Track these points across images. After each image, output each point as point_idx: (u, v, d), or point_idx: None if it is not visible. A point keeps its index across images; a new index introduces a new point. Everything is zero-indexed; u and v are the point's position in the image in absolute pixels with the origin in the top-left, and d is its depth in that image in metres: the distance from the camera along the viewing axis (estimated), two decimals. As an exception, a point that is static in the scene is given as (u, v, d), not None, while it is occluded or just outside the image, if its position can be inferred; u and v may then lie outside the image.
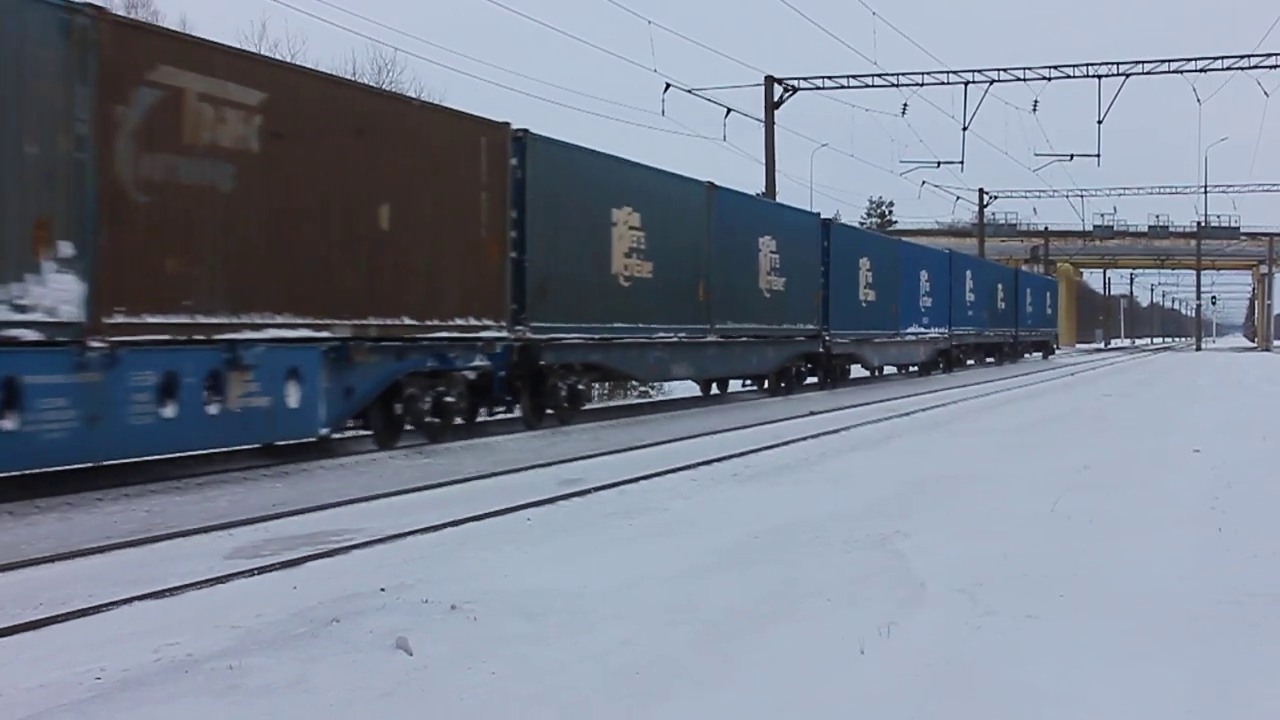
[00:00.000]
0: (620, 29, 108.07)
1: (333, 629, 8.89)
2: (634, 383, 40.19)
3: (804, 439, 23.87)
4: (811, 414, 31.54)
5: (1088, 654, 8.43)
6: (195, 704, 7.21)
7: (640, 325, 30.45)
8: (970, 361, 66.28)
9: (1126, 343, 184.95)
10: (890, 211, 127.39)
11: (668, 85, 52.03)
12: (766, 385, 41.36)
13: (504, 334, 24.80)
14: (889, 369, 56.06)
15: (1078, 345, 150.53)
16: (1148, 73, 57.20)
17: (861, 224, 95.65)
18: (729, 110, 54.56)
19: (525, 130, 25.72)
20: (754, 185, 55.48)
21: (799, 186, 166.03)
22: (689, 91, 52.97)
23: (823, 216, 44.13)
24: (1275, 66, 56.00)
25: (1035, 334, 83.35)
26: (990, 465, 19.23)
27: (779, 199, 51.41)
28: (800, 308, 40.33)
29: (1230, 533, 13.23)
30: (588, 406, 31.07)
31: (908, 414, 31.36)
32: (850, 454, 21.38)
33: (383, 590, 10.18)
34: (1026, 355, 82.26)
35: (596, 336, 28.55)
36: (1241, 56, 56.24)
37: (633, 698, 7.44)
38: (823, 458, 20.72)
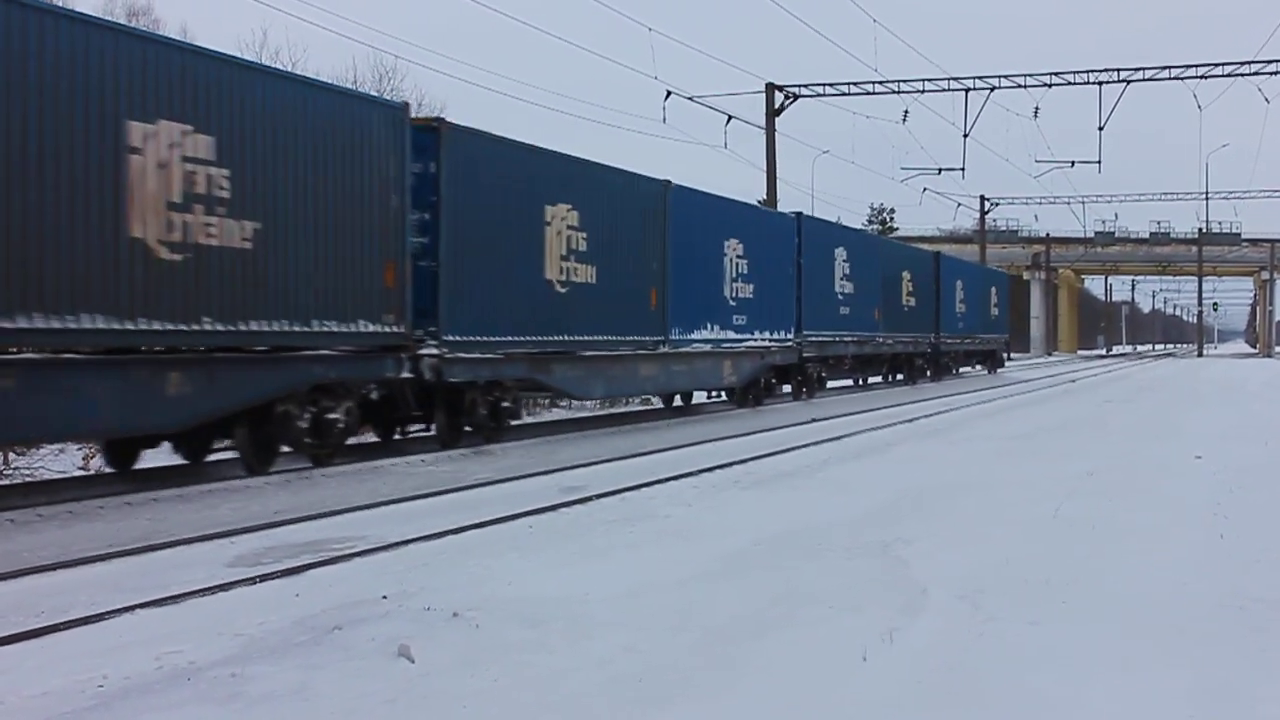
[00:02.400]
0: (621, 36, 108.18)
1: (335, 636, 8.90)
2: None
3: (805, 446, 23.84)
4: (814, 420, 31.51)
5: (1090, 660, 8.44)
6: (197, 712, 7.23)
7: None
8: (847, 381, 50.48)
9: (1128, 349, 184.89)
10: (892, 218, 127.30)
11: (669, 93, 52.05)
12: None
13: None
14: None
15: (1079, 352, 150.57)
16: (1149, 79, 57.23)
17: (866, 228, 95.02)
18: (730, 117, 54.58)
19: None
20: (756, 192, 55.56)
21: (800, 194, 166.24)
22: (690, 99, 52.99)
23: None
24: (1276, 73, 55.98)
25: (972, 341, 64.94)
26: (991, 472, 19.23)
27: (780, 206, 51.35)
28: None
29: (1232, 538, 13.24)
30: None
31: (911, 420, 31.33)
32: (851, 461, 21.36)
33: (385, 598, 10.18)
34: (960, 370, 65.25)
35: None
36: (1242, 63, 56.23)
37: (635, 705, 7.44)
38: (824, 464, 20.71)
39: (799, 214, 41.53)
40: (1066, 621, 9.51)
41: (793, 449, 23.20)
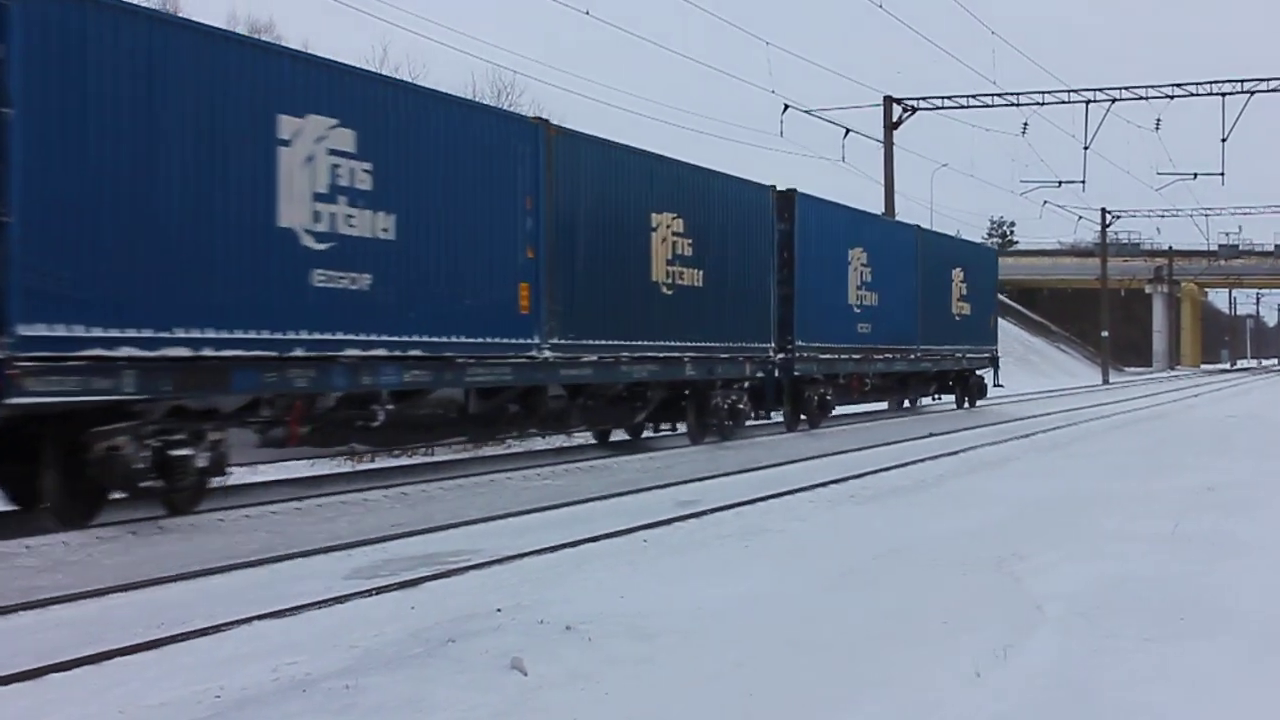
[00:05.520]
0: (739, 51, 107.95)
1: (448, 649, 8.97)
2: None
3: (922, 460, 23.69)
4: (931, 435, 31.33)
5: (1209, 678, 8.32)
6: (313, 723, 7.30)
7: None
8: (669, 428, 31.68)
9: (1253, 364, 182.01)
10: (1011, 231, 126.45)
11: (786, 106, 51.92)
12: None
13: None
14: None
15: (1202, 366, 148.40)
16: (1273, 90, 56.36)
17: (985, 241, 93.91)
18: (848, 131, 54.35)
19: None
20: (873, 206, 55.26)
21: (919, 207, 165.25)
22: (807, 112, 52.86)
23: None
24: (1405, 81, 54.92)
25: (965, 354, 46.50)
26: (1109, 486, 19.02)
27: (900, 219, 50.87)
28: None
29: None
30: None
31: (1027, 435, 31.06)
32: (968, 476, 21.22)
33: (499, 611, 10.24)
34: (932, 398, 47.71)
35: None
36: (1370, 71, 55.18)
37: (746, 720, 7.44)
38: (940, 480, 20.58)
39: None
40: (1186, 639, 9.39)
41: (909, 464, 23.06)
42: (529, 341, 22.37)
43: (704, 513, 16.41)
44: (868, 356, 37.23)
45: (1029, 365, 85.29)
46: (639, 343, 25.71)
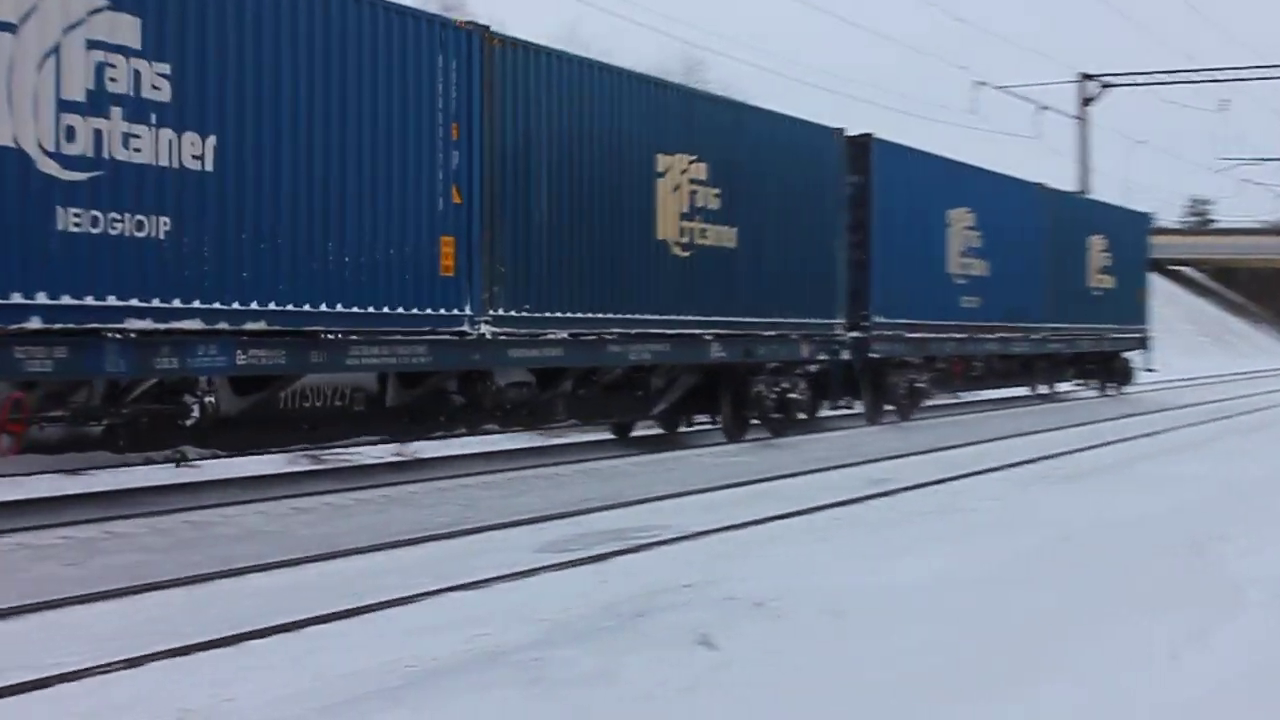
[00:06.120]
0: (928, 26, 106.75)
1: (638, 623, 8.99)
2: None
3: (1115, 442, 23.28)
4: (1129, 416, 30.74)
5: None
6: (503, 694, 7.35)
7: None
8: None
9: None
10: (1210, 210, 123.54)
11: (978, 83, 51.22)
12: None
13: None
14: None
15: None
16: None
17: (1181, 224, 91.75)
18: (1041, 108, 53.48)
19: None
20: (1068, 185, 54.34)
21: (1114, 184, 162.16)
22: (999, 89, 52.14)
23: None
24: None
25: (1106, 334, 40.87)
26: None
27: (1095, 197, 49.76)
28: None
29: None
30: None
31: (1231, 416, 30.38)
32: (1162, 457, 20.80)
33: (688, 586, 10.24)
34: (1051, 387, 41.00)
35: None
36: None
37: (938, 699, 7.35)
38: (1134, 461, 20.20)
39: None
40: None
41: (1103, 445, 22.67)
42: (457, 313, 17.30)
43: (896, 491, 16.28)
44: (973, 336, 31.82)
45: (1226, 346, 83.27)
46: (636, 316, 20.60)
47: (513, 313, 18.17)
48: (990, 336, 32.63)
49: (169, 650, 8.32)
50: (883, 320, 27.34)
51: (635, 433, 24.43)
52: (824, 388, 26.31)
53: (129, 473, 16.57)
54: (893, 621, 9.10)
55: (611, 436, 24.35)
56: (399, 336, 16.62)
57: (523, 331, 18.44)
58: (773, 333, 23.81)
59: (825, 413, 27.15)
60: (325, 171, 15.59)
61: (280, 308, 14.99)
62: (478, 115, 17.46)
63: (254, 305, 14.71)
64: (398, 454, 20.83)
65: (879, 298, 27.16)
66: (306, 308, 15.33)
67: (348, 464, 19.80)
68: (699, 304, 21.85)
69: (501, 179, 18.02)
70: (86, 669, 7.87)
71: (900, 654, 8.22)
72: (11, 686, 7.47)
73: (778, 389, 24.14)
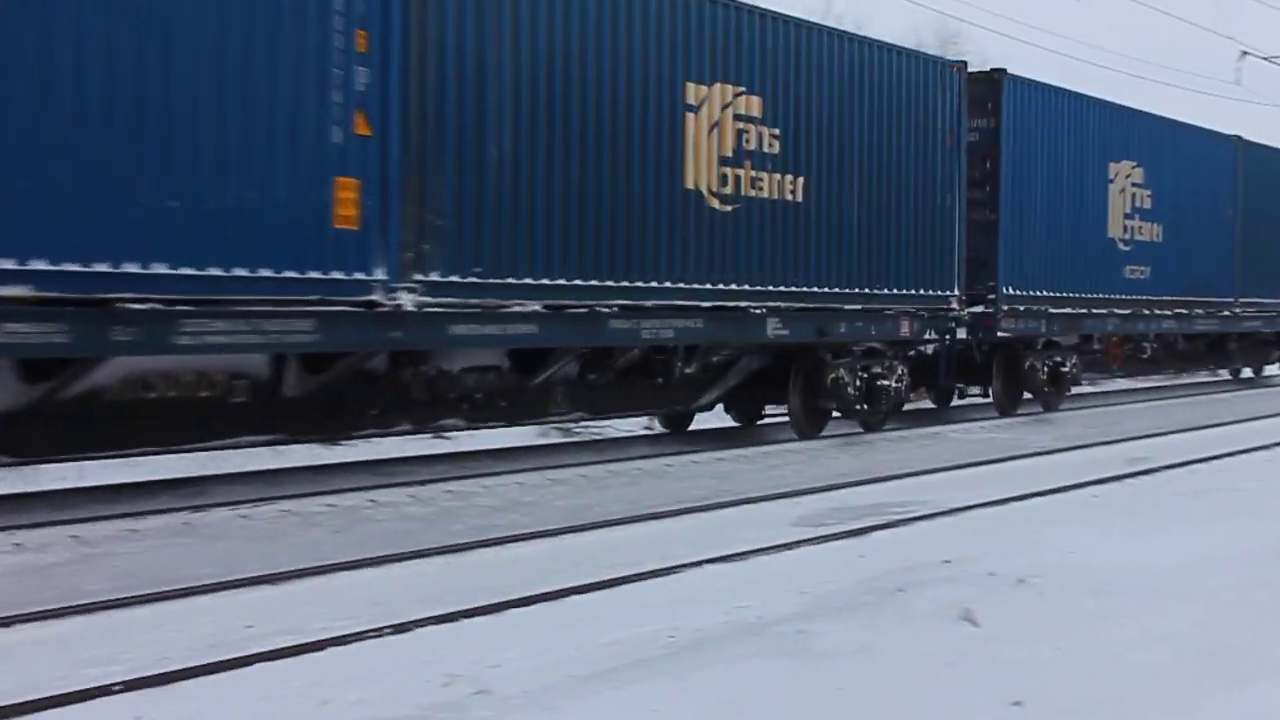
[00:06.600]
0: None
1: (897, 599, 8.93)
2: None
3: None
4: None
5: None
6: (765, 666, 7.38)
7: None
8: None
9: None
10: None
11: (1243, 53, 49.71)
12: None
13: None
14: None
15: None
16: None
17: None
18: (1309, 76, 51.50)
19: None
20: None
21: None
22: (1265, 59, 50.55)
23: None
24: None
25: None
26: None
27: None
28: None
29: None
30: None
31: None
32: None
33: (947, 562, 10.13)
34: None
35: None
36: None
37: (1209, 681, 7.19)
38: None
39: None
40: None
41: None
42: (361, 278, 13.09)
43: (1155, 470, 15.95)
44: (1140, 312, 27.04)
45: None
46: (649, 284, 16.36)
47: (454, 278, 14.02)
48: (1164, 313, 27.90)
49: (434, 617, 8.49)
50: (1014, 292, 23.10)
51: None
52: (933, 373, 22.89)
53: (388, 443, 16.89)
54: (1156, 601, 8.90)
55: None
56: (266, 308, 12.46)
57: (473, 303, 14.32)
58: (858, 306, 19.50)
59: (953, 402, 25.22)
60: (138, 77, 11.36)
61: (57, 267, 10.93)
62: (397, 21, 13.31)
63: (11, 264, 10.66)
64: (647, 429, 20.93)
65: (1009, 266, 22.99)
66: (102, 267, 11.26)
67: (599, 437, 19.96)
68: (747, 270, 17.63)
69: (439, 106, 13.81)
70: (356, 633, 8.07)
71: (1167, 635, 8.05)
72: (284, 649, 7.68)
73: (862, 375, 19.85)
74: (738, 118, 17.40)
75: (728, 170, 17.26)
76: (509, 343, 15.30)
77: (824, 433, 19.60)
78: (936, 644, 7.78)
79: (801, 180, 18.39)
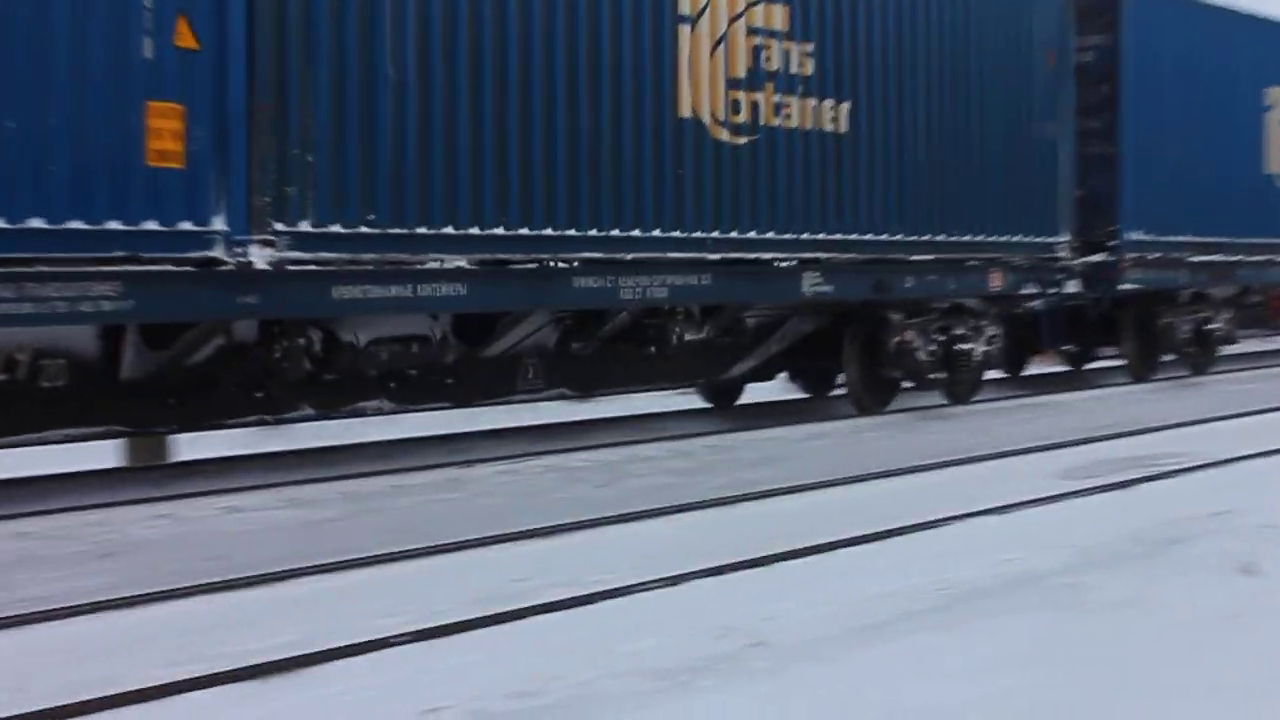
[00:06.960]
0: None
1: (1169, 550, 8.81)
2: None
3: None
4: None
5: None
6: (1039, 618, 7.33)
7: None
8: None
9: None
10: None
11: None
12: None
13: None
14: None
15: None
16: None
17: None
18: None
19: None
20: None
21: None
22: None
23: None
24: None
25: None
26: None
27: None
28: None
29: None
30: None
31: None
32: None
33: (1218, 514, 9.94)
34: None
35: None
36: None
37: None
38: None
39: None
40: None
41: None
42: (193, 228, 10.23)
43: None
44: None
45: None
46: (635, 233, 13.45)
47: (336, 228, 11.17)
48: None
49: (705, 570, 8.56)
50: (1141, 238, 19.88)
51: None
52: (1034, 334, 20.66)
53: (648, 397, 17.07)
54: None
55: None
56: (42, 268, 9.58)
57: (366, 258, 11.48)
58: (928, 256, 16.45)
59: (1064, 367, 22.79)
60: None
61: None
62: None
63: None
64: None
65: (1135, 207, 19.75)
66: None
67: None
68: (770, 216, 14.65)
69: (306, 10, 10.83)
70: (630, 585, 8.17)
71: None
72: (558, 602, 7.81)
73: (936, 339, 16.90)
74: (752, 31, 14.32)
75: (740, 95, 14.27)
76: (427, 307, 12.29)
77: (890, 408, 17.10)
78: (1215, 595, 7.64)
79: (846, 106, 15.33)
